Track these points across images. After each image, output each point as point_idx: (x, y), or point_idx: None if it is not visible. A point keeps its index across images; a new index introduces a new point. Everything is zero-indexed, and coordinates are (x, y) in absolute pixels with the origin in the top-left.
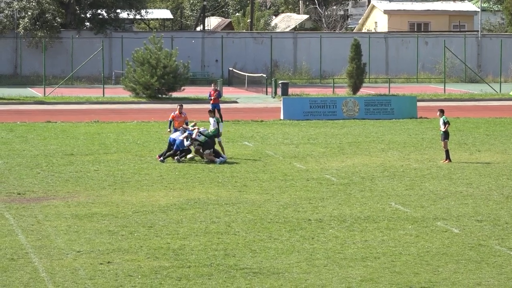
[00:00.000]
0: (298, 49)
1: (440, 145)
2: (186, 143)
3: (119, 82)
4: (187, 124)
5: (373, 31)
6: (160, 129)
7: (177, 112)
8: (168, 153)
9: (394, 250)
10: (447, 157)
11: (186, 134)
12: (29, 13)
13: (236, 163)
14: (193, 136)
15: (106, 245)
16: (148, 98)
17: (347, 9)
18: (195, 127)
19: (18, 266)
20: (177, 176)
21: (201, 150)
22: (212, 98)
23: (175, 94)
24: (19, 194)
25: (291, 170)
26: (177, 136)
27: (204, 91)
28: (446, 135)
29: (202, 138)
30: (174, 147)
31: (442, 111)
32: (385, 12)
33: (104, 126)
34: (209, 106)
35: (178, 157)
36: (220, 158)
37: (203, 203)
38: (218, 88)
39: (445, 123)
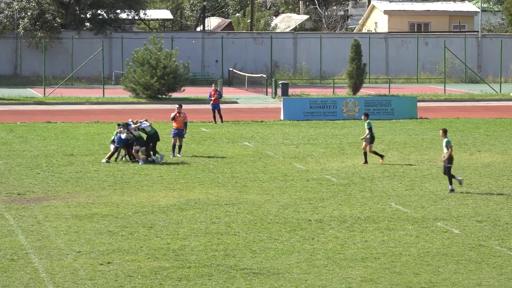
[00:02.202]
0: (298, 50)
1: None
2: (123, 136)
3: (119, 83)
4: (186, 125)
5: (373, 31)
6: (160, 129)
7: (176, 112)
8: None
9: (394, 250)
10: (365, 159)
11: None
12: (29, 14)
13: (236, 163)
14: (132, 126)
15: (106, 245)
16: (148, 99)
17: (347, 10)
18: (139, 121)
19: (18, 266)
20: (177, 176)
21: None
22: (212, 98)
23: (175, 95)
24: (19, 194)
25: (291, 171)
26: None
27: (204, 92)
28: (371, 139)
29: (137, 133)
30: (116, 145)
31: (366, 115)
32: (385, 12)
33: (104, 126)
34: (209, 107)
35: (107, 158)
36: (141, 161)
37: (203, 204)
38: (219, 89)
39: (369, 129)
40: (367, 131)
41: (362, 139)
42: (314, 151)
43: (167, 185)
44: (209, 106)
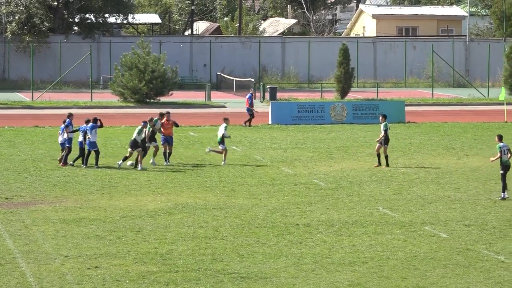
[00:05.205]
0: (286, 54)
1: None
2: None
3: (107, 87)
4: (176, 125)
5: (361, 35)
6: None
7: (164, 119)
8: (82, 157)
9: (382, 254)
10: (386, 162)
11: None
12: (17, 18)
13: (224, 167)
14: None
15: (93, 249)
16: (136, 103)
17: (335, 14)
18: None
19: (6, 271)
20: (164, 180)
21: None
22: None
23: (163, 99)
24: (7, 199)
25: (279, 175)
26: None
27: (192, 96)
28: (386, 140)
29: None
30: (89, 149)
31: (384, 116)
32: (373, 16)
33: None
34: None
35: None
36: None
37: (191, 208)
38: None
39: (385, 130)
40: (383, 133)
41: (378, 141)
42: (302, 155)
43: (155, 189)
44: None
